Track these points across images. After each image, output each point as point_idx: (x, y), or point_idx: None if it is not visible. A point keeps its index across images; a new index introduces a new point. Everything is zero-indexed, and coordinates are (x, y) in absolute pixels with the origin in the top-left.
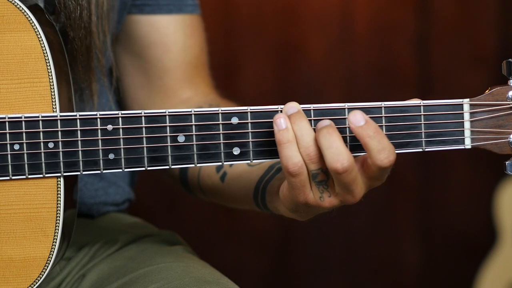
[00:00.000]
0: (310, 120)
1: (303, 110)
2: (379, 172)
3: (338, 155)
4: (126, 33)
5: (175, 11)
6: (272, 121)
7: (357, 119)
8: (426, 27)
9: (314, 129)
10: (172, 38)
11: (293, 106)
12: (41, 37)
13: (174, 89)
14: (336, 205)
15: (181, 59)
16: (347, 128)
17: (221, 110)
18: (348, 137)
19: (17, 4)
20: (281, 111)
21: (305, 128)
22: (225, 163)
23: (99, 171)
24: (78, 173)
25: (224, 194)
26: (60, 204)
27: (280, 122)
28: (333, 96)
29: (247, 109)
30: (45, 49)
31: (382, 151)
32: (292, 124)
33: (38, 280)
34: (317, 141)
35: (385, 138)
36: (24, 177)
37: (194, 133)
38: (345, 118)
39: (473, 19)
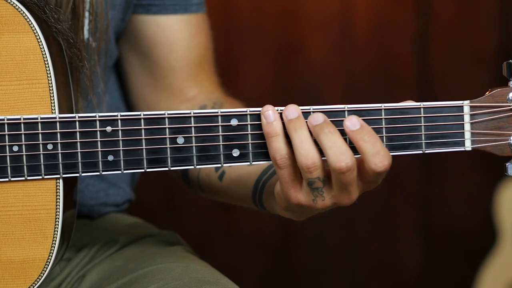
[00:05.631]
0: None
1: (302, 112)
2: (374, 176)
3: (342, 154)
4: (132, 32)
5: (181, 11)
6: None
7: (352, 123)
8: (426, 27)
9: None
10: (178, 38)
11: (293, 110)
12: (40, 38)
13: (179, 88)
14: (329, 206)
15: (187, 58)
16: None
17: (221, 112)
18: (347, 139)
19: (16, 5)
20: (280, 113)
21: (304, 136)
22: (224, 165)
23: (98, 173)
24: (77, 174)
25: (222, 192)
26: (59, 205)
27: (269, 114)
28: (333, 96)
29: (246, 111)
30: (44, 50)
31: (376, 155)
32: (291, 131)
33: (37, 282)
34: (318, 140)
35: (379, 142)
36: (23, 178)
37: (193, 134)
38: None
39: (473, 19)
